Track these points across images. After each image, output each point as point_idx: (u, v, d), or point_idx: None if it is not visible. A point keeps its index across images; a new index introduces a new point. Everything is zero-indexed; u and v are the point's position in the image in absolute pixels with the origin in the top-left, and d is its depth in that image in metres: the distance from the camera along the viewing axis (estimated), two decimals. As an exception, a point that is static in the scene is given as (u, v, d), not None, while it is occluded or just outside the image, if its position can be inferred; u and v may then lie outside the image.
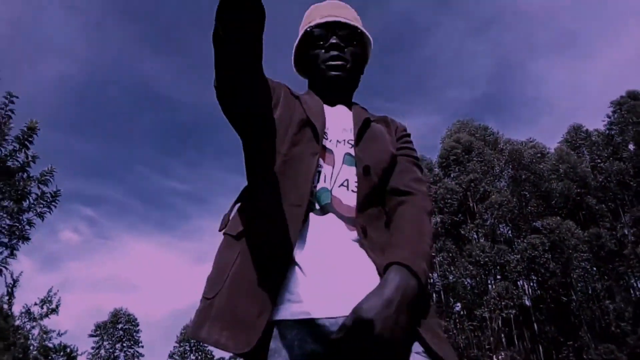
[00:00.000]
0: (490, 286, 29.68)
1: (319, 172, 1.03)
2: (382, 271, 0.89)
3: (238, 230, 1.00)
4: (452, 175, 33.41)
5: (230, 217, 1.07)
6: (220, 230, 1.04)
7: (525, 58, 66.00)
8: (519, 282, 30.19)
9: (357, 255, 0.95)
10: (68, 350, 10.19)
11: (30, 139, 6.96)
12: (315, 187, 1.02)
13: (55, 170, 7.34)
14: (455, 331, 27.55)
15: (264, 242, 0.94)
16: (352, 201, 1.02)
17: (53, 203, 7.26)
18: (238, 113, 1.03)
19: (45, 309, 9.31)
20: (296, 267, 0.91)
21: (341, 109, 1.19)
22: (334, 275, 0.90)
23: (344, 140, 1.10)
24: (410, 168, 1.15)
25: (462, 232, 30.96)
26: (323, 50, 1.17)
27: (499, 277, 29.57)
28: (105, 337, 42.31)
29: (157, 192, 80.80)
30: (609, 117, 36.10)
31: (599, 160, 34.94)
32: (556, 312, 30.31)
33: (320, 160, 1.04)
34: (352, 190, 1.03)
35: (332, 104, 1.19)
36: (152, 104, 79.87)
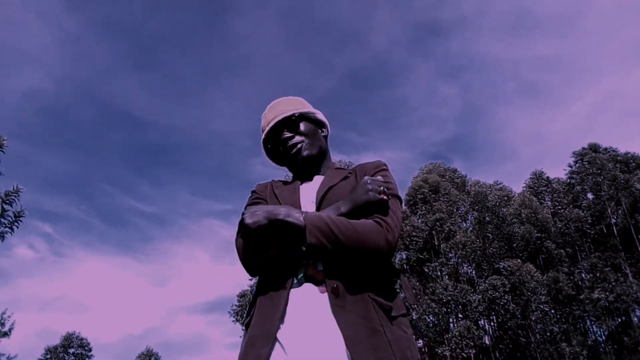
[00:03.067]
0: (452, 325, 30.17)
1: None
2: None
3: (246, 320, 1.24)
4: (418, 214, 34.34)
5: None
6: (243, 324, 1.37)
7: (492, 104, 69.25)
8: (480, 322, 30.78)
9: (322, 324, 1.08)
10: (17, 376, 9.96)
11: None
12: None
13: (22, 189, 7.16)
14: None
15: (258, 325, 1.14)
16: (321, 266, 1.16)
17: (15, 223, 7.15)
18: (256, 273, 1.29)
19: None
20: (277, 344, 1.09)
21: (316, 181, 1.40)
22: (300, 346, 1.06)
23: None
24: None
25: (427, 269, 31.63)
26: (281, 147, 1.44)
27: (460, 316, 30.12)
28: (55, 362, 40.75)
29: (120, 212, 78.55)
30: (570, 166, 37.96)
31: (559, 207, 36.46)
32: (515, 353, 30.90)
33: None
34: None
35: (310, 178, 1.44)
36: (122, 122, 79.39)
